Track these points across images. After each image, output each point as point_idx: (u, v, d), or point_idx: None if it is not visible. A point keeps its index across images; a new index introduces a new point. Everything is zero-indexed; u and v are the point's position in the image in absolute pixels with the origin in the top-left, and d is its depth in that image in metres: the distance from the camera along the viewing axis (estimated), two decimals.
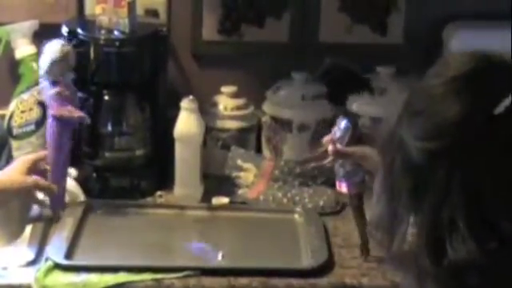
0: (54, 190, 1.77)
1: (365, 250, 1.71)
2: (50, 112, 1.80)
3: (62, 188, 1.82)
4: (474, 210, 0.98)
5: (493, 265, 0.98)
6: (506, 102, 0.98)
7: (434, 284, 1.01)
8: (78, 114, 1.80)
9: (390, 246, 1.05)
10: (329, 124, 2.08)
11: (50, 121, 1.80)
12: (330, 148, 1.63)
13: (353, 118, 1.69)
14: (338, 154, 1.63)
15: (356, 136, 1.64)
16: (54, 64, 1.78)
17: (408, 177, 1.02)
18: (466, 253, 0.97)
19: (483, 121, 0.98)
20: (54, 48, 1.79)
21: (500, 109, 0.97)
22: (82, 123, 1.84)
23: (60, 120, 1.79)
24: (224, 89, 2.10)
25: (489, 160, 0.98)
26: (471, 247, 0.97)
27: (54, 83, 1.79)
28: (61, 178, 1.82)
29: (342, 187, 1.69)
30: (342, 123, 1.65)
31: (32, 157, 1.78)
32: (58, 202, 1.82)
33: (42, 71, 1.80)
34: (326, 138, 1.66)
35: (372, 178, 1.57)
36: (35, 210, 1.82)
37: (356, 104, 2.08)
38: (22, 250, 1.72)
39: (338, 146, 1.63)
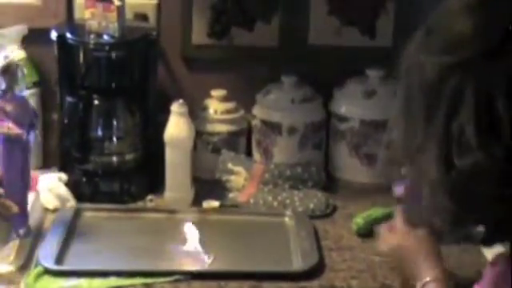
0: (12, 209, 1.71)
1: None
2: None
3: (23, 208, 1.76)
4: (483, 119, 1.01)
5: (500, 172, 1.01)
6: None
7: (445, 194, 1.05)
8: (16, 130, 1.71)
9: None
10: (317, 127, 2.10)
11: None
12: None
13: None
14: None
15: None
16: None
17: (423, 94, 1.06)
18: (473, 161, 1.01)
19: (498, 35, 1.00)
20: None
21: None
22: (27, 140, 1.74)
23: (4, 136, 1.72)
24: (214, 92, 2.10)
25: (502, 71, 1.00)
26: (479, 155, 1.01)
27: None
28: (19, 196, 1.75)
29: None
30: None
31: None
32: (20, 221, 1.77)
33: None
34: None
35: None
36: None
37: (345, 107, 2.09)
38: (11, 255, 1.72)
39: None
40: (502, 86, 1.00)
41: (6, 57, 1.72)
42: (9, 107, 1.72)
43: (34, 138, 1.78)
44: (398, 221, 1.55)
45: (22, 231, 1.77)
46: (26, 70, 1.99)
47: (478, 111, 1.01)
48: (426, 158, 1.06)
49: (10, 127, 1.72)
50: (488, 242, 1.13)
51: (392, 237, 1.54)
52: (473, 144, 1.01)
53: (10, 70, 1.72)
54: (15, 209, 1.72)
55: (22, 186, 1.78)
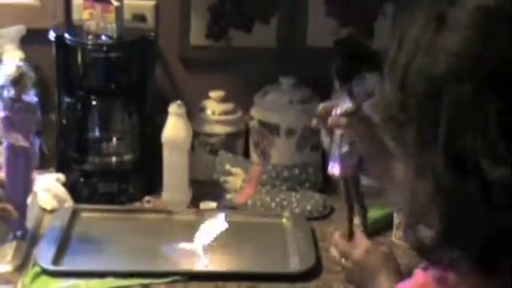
0: (12, 214, 1.72)
1: (350, 236, 1.60)
2: (1, 135, 1.74)
3: (23, 212, 1.77)
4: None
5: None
6: None
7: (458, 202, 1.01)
8: (22, 143, 1.72)
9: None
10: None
11: (4, 143, 1.75)
12: (333, 117, 1.53)
13: (357, 99, 1.57)
14: (337, 124, 1.53)
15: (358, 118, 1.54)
16: (5, 87, 1.70)
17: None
18: (499, 174, 0.97)
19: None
20: (6, 70, 1.71)
21: None
22: (32, 149, 1.75)
23: (11, 145, 1.73)
24: (212, 94, 2.10)
25: None
26: (506, 170, 0.97)
27: (5, 107, 1.71)
28: (20, 200, 1.76)
29: (335, 169, 1.56)
30: (346, 103, 1.54)
31: None
32: (18, 223, 1.77)
33: None
34: (325, 105, 1.56)
35: (364, 163, 1.54)
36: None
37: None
38: (9, 255, 1.72)
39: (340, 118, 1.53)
40: None
41: (18, 66, 1.71)
42: (16, 117, 1.72)
43: (38, 145, 1.78)
44: (360, 236, 1.53)
45: (19, 233, 1.77)
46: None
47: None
48: (434, 158, 1.02)
49: (17, 139, 1.72)
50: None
51: (354, 251, 1.51)
52: (504, 157, 0.98)
53: (20, 81, 1.71)
54: (15, 214, 1.73)
55: (23, 191, 1.78)
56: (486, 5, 1.02)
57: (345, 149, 1.55)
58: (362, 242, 1.52)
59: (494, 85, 0.99)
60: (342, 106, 1.54)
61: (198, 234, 1.81)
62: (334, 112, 1.53)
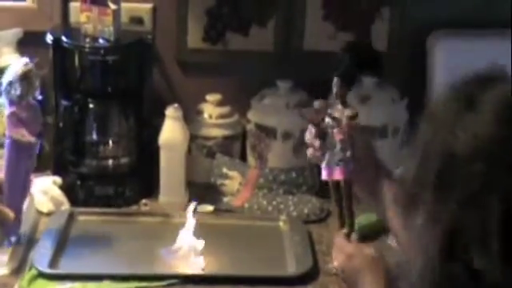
0: (8, 216, 1.68)
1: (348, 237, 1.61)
2: (6, 133, 1.73)
3: (19, 215, 1.74)
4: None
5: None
6: None
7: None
8: (29, 138, 1.71)
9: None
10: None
11: (7, 142, 1.73)
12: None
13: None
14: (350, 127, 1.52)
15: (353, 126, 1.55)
16: (13, 84, 1.69)
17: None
18: (485, 264, 0.99)
19: None
20: (15, 67, 1.70)
21: None
22: (35, 148, 1.74)
23: (15, 143, 1.72)
24: (209, 97, 2.11)
25: None
26: (492, 262, 0.99)
27: (12, 103, 1.70)
28: (17, 203, 1.74)
29: (336, 173, 1.55)
30: (349, 108, 1.54)
31: None
32: (12, 229, 1.74)
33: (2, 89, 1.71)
34: (320, 104, 1.57)
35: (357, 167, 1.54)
36: None
37: (339, 111, 2.08)
38: (5, 258, 1.72)
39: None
40: None
41: (26, 63, 1.71)
42: (23, 114, 1.71)
43: (40, 145, 1.77)
44: (342, 241, 1.54)
45: (13, 239, 1.76)
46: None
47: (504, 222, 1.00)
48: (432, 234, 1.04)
49: (24, 134, 1.71)
50: None
51: (342, 255, 1.52)
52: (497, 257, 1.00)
53: (28, 78, 1.70)
54: (11, 216, 1.71)
55: (22, 193, 1.77)
56: None
57: (349, 153, 1.53)
58: (344, 248, 1.52)
59: (503, 172, 1.00)
60: (344, 110, 1.53)
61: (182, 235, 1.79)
62: (336, 115, 1.53)
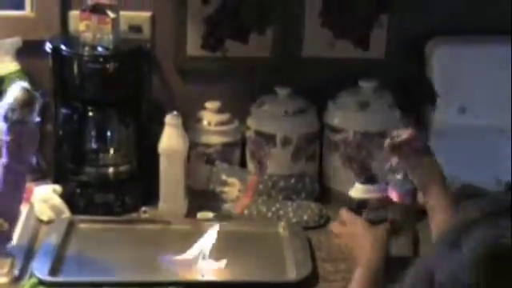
0: (2, 225, 1.69)
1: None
2: (3, 159, 1.71)
3: (12, 227, 1.74)
4: None
5: None
6: None
7: None
8: (23, 168, 1.71)
9: None
10: (311, 138, 2.11)
11: (2, 167, 1.71)
12: (388, 141, 1.64)
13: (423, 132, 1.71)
14: (394, 148, 1.62)
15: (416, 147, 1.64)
16: (12, 109, 1.67)
17: None
18: None
19: None
20: (15, 92, 1.68)
21: None
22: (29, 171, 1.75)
23: (12, 170, 1.70)
24: (208, 104, 2.11)
25: None
26: None
27: (9, 129, 1.68)
28: (11, 214, 1.73)
29: (393, 195, 1.66)
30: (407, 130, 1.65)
31: None
32: (4, 239, 1.73)
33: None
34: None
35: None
36: None
37: (338, 118, 2.09)
38: (5, 267, 1.72)
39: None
40: None
41: (27, 90, 1.68)
42: (20, 140, 1.69)
43: (34, 162, 1.77)
44: (345, 214, 1.66)
45: (6, 248, 1.74)
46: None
47: None
48: None
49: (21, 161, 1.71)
50: None
51: (342, 227, 1.66)
52: None
53: (30, 104, 1.69)
54: (5, 226, 1.71)
55: (16, 205, 1.76)
56: None
57: (399, 176, 1.64)
58: (355, 222, 1.64)
59: None
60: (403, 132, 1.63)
61: (194, 245, 1.81)
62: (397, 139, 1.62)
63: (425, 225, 1.64)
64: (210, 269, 1.75)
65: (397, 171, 1.65)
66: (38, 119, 1.73)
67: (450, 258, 1.08)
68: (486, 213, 1.10)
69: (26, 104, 1.68)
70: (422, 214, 1.67)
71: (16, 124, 1.69)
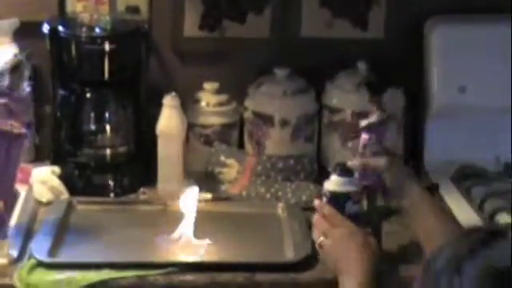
0: None
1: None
2: None
3: (9, 208, 1.74)
4: None
5: None
6: None
7: None
8: (19, 130, 1.70)
9: None
10: (310, 119, 2.11)
11: None
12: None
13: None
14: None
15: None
16: (2, 75, 1.68)
17: None
18: None
19: None
20: (5, 58, 1.70)
21: None
22: (25, 139, 1.74)
23: (5, 134, 1.70)
24: (206, 85, 2.11)
25: None
26: None
27: (1, 95, 1.69)
28: (6, 193, 1.73)
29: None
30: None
31: None
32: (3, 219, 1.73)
33: None
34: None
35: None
36: None
37: (337, 98, 2.09)
38: (4, 248, 1.72)
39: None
40: None
41: (15, 55, 1.70)
42: (13, 105, 1.70)
43: (30, 136, 1.78)
44: (327, 209, 1.64)
45: (3, 231, 1.74)
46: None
47: None
48: None
49: (14, 125, 1.71)
50: None
51: (324, 223, 1.62)
52: None
53: (18, 69, 1.71)
54: (1, 205, 1.71)
55: (11, 183, 1.76)
56: None
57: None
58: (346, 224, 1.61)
59: None
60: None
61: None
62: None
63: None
64: (209, 250, 1.75)
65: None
66: (28, 89, 1.73)
67: (450, 285, 1.08)
68: (482, 238, 1.10)
69: (14, 69, 1.70)
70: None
71: (6, 89, 1.69)
